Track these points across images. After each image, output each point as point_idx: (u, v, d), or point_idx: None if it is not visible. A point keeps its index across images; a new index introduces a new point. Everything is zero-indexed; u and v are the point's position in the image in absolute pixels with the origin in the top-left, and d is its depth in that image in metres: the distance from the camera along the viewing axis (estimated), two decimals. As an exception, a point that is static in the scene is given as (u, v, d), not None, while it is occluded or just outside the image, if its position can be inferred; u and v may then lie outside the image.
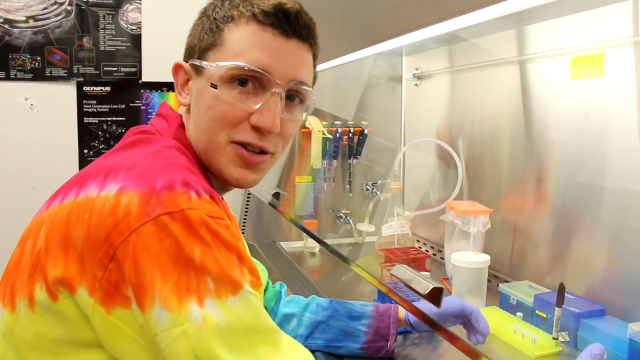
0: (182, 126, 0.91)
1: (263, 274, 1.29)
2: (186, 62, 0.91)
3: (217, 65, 0.84)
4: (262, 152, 0.89)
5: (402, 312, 1.24)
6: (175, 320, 0.64)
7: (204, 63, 0.86)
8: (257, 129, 0.86)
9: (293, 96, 0.90)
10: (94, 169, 0.77)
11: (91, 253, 0.67)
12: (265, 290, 1.28)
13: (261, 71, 0.84)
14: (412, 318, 1.21)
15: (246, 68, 0.84)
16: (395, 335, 1.20)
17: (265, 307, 1.26)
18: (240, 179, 0.89)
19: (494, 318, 1.18)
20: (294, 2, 0.87)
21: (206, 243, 0.67)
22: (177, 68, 0.92)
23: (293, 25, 0.86)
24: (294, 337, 1.22)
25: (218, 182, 0.91)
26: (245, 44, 0.85)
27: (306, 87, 0.90)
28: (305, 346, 1.21)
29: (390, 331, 1.20)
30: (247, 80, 0.85)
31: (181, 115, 0.92)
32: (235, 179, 0.89)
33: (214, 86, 0.85)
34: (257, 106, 0.85)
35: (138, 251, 0.65)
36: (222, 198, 0.82)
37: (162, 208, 0.67)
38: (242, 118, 0.85)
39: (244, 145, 0.87)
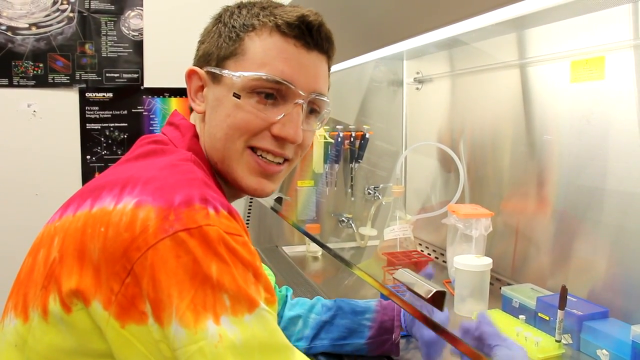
0: (196, 136, 0.90)
1: (270, 278, 1.29)
2: (201, 68, 0.90)
3: (241, 75, 0.84)
4: (281, 160, 0.89)
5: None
6: (191, 337, 0.63)
7: (225, 72, 0.86)
8: (279, 139, 0.87)
9: (310, 106, 0.91)
10: (108, 179, 0.77)
11: (108, 266, 0.67)
12: None
13: (285, 83, 0.85)
14: (411, 330, 1.21)
15: (270, 79, 0.84)
16: (399, 327, 1.21)
17: None
18: (258, 188, 0.90)
19: (496, 321, 1.18)
20: (316, 14, 0.87)
21: (223, 260, 0.67)
22: (191, 74, 0.91)
23: (315, 38, 0.87)
24: (300, 339, 1.23)
25: (230, 190, 0.91)
26: (268, 55, 0.85)
27: (324, 99, 0.91)
28: (312, 347, 1.22)
29: (395, 324, 1.21)
30: (268, 91, 0.85)
31: (194, 125, 0.92)
32: (253, 189, 0.89)
33: (237, 96, 0.85)
34: (279, 117, 0.86)
35: (155, 267, 0.64)
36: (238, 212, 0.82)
37: (180, 224, 0.66)
38: (263, 128, 0.86)
39: (263, 153, 0.87)
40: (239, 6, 0.91)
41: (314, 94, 0.89)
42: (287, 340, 0.71)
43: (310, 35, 0.86)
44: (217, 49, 0.88)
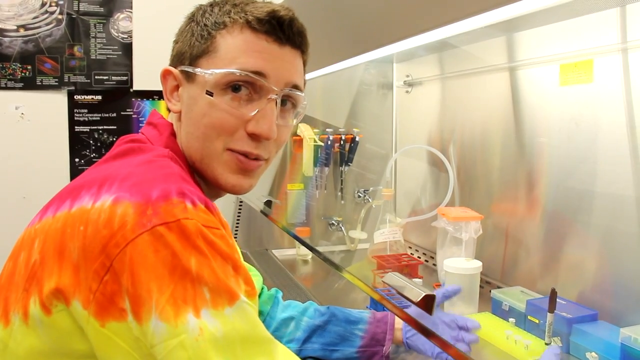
0: (173, 134, 0.90)
1: (258, 279, 1.29)
2: (175, 68, 0.90)
3: (213, 72, 0.84)
4: (258, 158, 0.89)
5: (399, 322, 1.24)
6: (172, 332, 0.63)
7: (197, 70, 0.86)
8: (253, 137, 0.86)
9: (285, 101, 0.90)
10: (86, 179, 0.76)
11: (87, 265, 0.66)
12: (259, 295, 1.29)
13: (256, 77, 0.84)
14: (411, 341, 1.22)
15: (242, 74, 0.83)
16: (390, 341, 1.21)
17: (260, 311, 1.27)
18: (236, 185, 0.89)
19: (486, 324, 1.18)
20: (287, 9, 0.87)
21: (202, 253, 0.66)
22: (165, 74, 0.91)
23: (287, 33, 0.87)
24: (292, 341, 1.23)
25: (211, 189, 0.91)
26: (239, 51, 0.85)
27: (299, 93, 0.91)
28: (302, 350, 1.22)
29: (387, 337, 1.21)
30: (241, 86, 0.85)
31: (172, 124, 0.92)
32: (232, 186, 0.89)
33: (210, 93, 0.84)
34: (253, 113, 0.85)
35: (135, 262, 0.64)
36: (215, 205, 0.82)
37: (158, 218, 0.66)
38: (238, 126, 0.85)
39: (241, 154, 0.87)
40: (212, 4, 0.90)
41: (287, 88, 0.88)
42: (268, 333, 0.71)
43: (282, 30, 0.86)
44: (190, 47, 0.88)
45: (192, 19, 0.91)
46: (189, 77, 0.87)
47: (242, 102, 0.85)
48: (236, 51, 0.85)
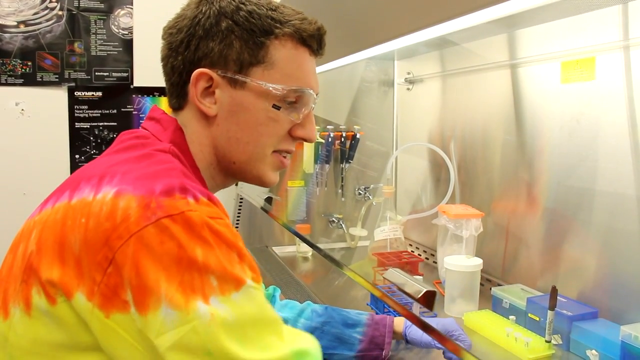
0: (179, 130, 0.90)
1: None
2: (210, 69, 0.87)
3: (284, 89, 0.88)
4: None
5: (398, 325, 1.24)
6: (183, 318, 0.64)
7: (261, 82, 0.87)
8: (297, 139, 0.93)
9: None
10: (87, 172, 0.77)
11: (89, 257, 0.67)
12: None
13: (315, 95, 0.92)
14: (410, 335, 1.22)
15: (311, 93, 0.91)
16: (390, 344, 1.21)
17: None
18: (275, 180, 0.96)
19: (486, 321, 1.18)
20: (319, 22, 0.93)
21: (207, 243, 0.68)
22: (200, 77, 0.87)
23: (323, 47, 0.94)
24: None
25: (220, 181, 0.95)
26: (297, 68, 0.90)
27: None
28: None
29: (386, 340, 1.21)
30: (296, 100, 0.91)
31: (175, 119, 0.91)
32: (272, 182, 0.96)
33: (277, 107, 0.89)
34: (300, 120, 0.92)
35: (139, 254, 0.65)
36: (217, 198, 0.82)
37: (162, 211, 0.67)
38: (288, 131, 0.92)
39: (284, 152, 0.94)
40: (242, 2, 0.88)
41: (318, 95, 0.95)
42: (276, 314, 0.73)
43: (320, 45, 0.93)
44: (237, 53, 0.87)
45: (225, 15, 0.87)
46: (236, 82, 0.88)
47: (291, 112, 0.91)
48: (294, 68, 0.90)
